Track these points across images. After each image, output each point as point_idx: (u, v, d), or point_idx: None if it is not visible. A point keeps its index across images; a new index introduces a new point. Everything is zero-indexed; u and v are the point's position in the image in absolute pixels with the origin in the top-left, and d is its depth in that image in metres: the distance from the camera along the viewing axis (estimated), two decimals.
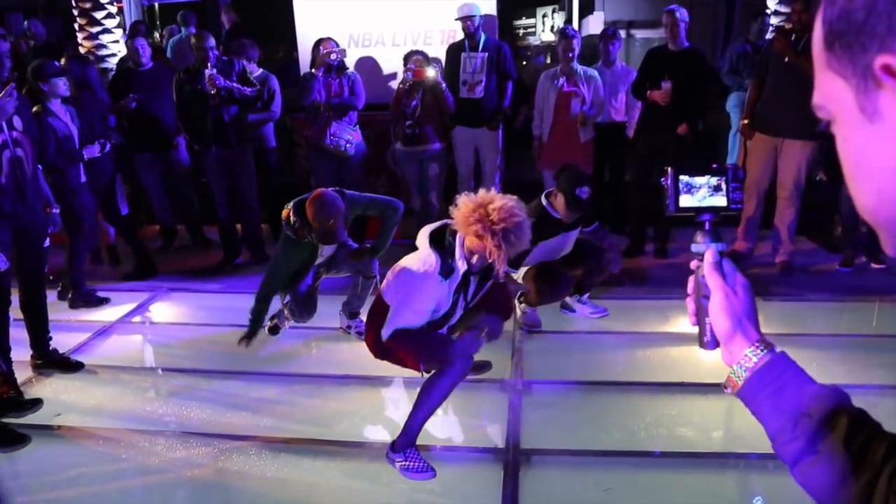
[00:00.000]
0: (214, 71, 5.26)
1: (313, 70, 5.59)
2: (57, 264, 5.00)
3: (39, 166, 4.05)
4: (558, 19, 12.96)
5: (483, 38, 5.76)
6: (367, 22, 6.73)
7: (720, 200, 1.18)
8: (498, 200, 2.79)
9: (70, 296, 4.96)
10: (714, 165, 1.19)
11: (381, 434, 3.46)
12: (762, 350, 0.96)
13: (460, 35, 5.90)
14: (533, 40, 13.78)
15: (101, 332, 4.59)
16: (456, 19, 5.78)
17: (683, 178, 1.18)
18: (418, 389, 3.80)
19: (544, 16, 13.93)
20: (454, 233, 2.94)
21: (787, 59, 4.94)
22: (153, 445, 3.31)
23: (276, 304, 4.34)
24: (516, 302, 4.38)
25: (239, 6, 8.35)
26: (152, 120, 5.81)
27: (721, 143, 7.27)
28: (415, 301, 2.95)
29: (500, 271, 2.95)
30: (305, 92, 5.54)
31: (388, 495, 2.95)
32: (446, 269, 2.94)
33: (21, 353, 3.91)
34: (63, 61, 4.99)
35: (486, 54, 5.71)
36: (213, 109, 5.35)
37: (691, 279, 1.09)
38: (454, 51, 5.87)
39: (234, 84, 5.35)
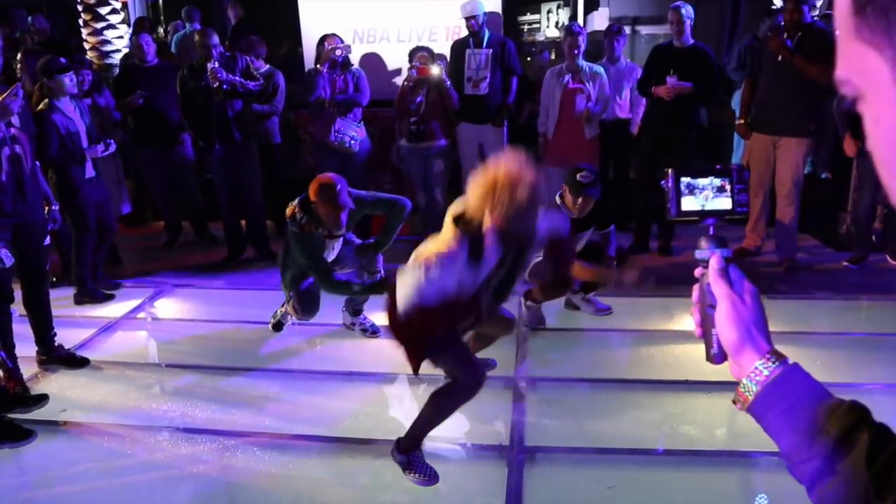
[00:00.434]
0: (217, 64, 5.26)
1: (318, 66, 5.59)
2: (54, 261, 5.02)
3: (38, 163, 4.05)
4: (563, 15, 12.93)
5: (487, 34, 5.76)
6: (371, 18, 6.73)
7: (725, 203, 1.11)
8: (502, 178, 2.58)
9: (75, 292, 4.97)
10: (718, 166, 1.13)
11: (385, 431, 3.45)
12: (773, 362, 0.90)
13: (465, 31, 5.89)
14: (538, 36, 13.75)
15: (107, 328, 4.61)
16: (461, 18, 5.78)
17: (685, 179, 1.11)
18: (422, 387, 3.81)
19: (549, 12, 13.90)
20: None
21: (780, 58, 4.95)
22: (158, 442, 3.33)
23: (277, 303, 4.36)
24: (521, 300, 4.38)
25: (244, 1, 8.34)
26: (157, 116, 5.83)
27: (726, 139, 7.26)
28: (443, 281, 2.73)
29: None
30: (310, 88, 5.55)
31: (392, 492, 2.95)
32: (476, 253, 2.74)
33: (26, 348, 3.92)
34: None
35: (491, 51, 5.70)
36: (216, 105, 5.36)
37: (696, 287, 1.03)
38: (458, 47, 5.86)
39: (237, 78, 5.35)
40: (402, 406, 3.82)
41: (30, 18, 8.46)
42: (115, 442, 3.33)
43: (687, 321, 4.53)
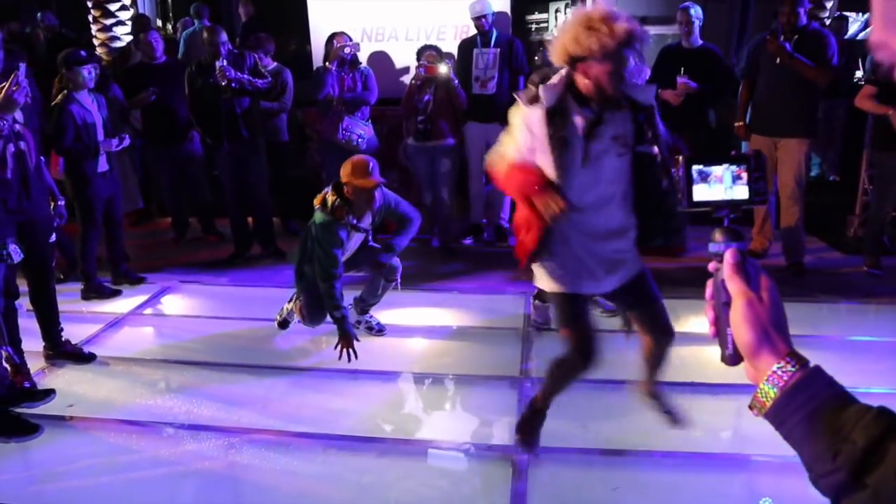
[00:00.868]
0: (225, 62, 5.27)
1: (327, 64, 5.60)
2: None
3: (42, 158, 4.06)
4: (570, 14, 12.85)
5: (495, 33, 5.75)
6: (380, 16, 6.73)
7: (741, 192, 1.03)
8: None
9: (82, 287, 5.00)
10: (733, 152, 1.05)
11: (389, 430, 3.47)
12: (793, 366, 0.84)
13: (473, 30, 5.89)
14: (546, 36, 13.71)
15: (113, 323, 4.62)
16: (471, 18, 5.77)
17: (697, 167, 1.03)
18: (427, 385, 3.83)
19: (557, 11, 13.87)
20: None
21: (778, 61, 4.96)
22: (163, 438, 3.34)
23: (282, 300, 4.37)
24: (531, 298, 4.37)
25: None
26: (166, 113, 5.84)
27: (734, 141, 7.23)
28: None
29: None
30: (318, 86, 5.55)
31: (396, 490, 2.95)
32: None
33: (33, 344, 3.94)
34: None
35: (499, 50, 5.70)
36: (225, 102, 5.36)
37: (709, 283, 0.96)
38: (466, 47, 5.86)
39: (245, 76, 5.36)
40: (406, 405, 3.82)
41: (39, 14, 8.49)
42: (121, 437, 3.35)
43: (692, 323, 4.51)
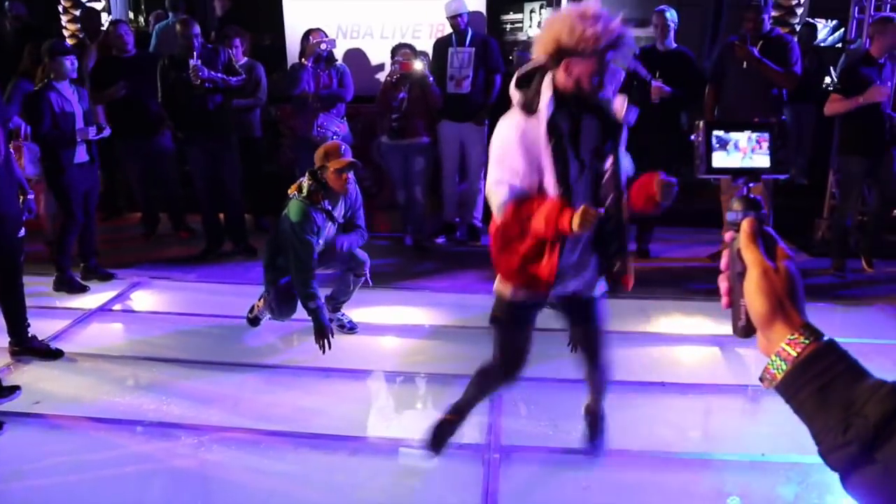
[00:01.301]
0: (199, 62, 5.21)
1: (303, 60, 5.56)
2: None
3: (12, 151, 4.00)
4: (546, 15, 12.95)
5: (470, 33, 5.76)
6: (355, 14, 6.72)
7: (762, 161, 1.01)
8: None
9: (54, 278, 4.97)
10: (756, 119, 1.02)
11: (361, 428, 3.46)
12: (807, 337, 0.82)
13: (449, 29, 5.89)
14: (520, 36, 13.77)
15: (81, 319, 4.56)
16: (446, 17, 5.77)
17: (717, 133, 1.00)
18: (399, 383, 3.82)
19: (532, 11, 13.93)
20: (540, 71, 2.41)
21: (745, 65, 5.07)
22: (132, 435, 3.30)
23: (254, 297, 4.33)
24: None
25: None
26: (137, 107, 5.76)
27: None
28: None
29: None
30: (294, 82, 5.52)
31: (367, 489, 2.95)
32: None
33: None
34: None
35: (473, 49, 5.71)
36: (197, 98, 5.31)
37: (725, 253, 0.94)
38: (441, 45, 5.86)
39: (219, 75, 5.31)
40: (378, 403, 3.82)
41: (7, 3, 8.31)
42: (89, 435, 3.30)
43: (663, 323, 4.57)
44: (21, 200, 4.01)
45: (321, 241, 4.04)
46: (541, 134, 2.33)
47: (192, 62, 5.20)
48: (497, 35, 8.74)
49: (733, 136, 1.00)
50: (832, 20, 9.09)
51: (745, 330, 0.91)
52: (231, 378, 3.87)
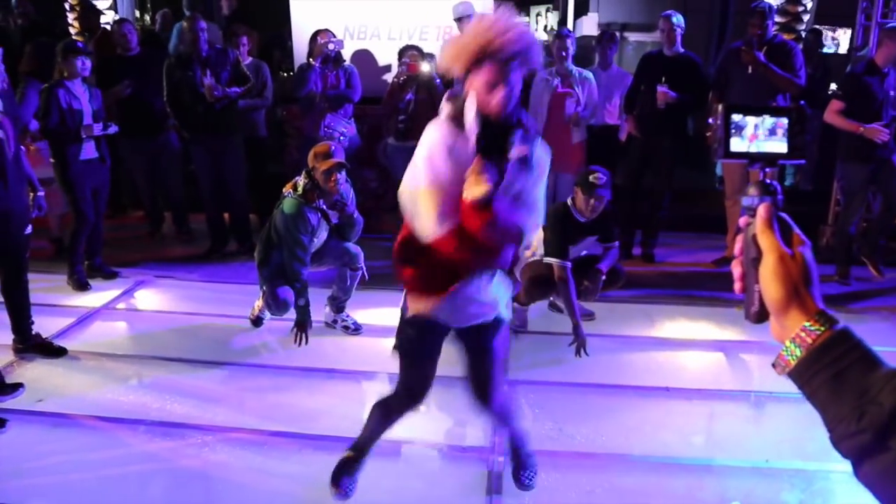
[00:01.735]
0: (213, 80, 5.25)
1: (310, 60, 5.57)
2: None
3: (22, 148, 4.00)
4: (552, 19, 12.96)
5: None
6: (363, 15, 6.71)
7: (779, 146, 1.00)
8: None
9: (67, 273, 5.05)
10: (774, 103, 1.04)
11: None
12: (823, 324, 0.82)
13: (456, 31, 5.88)
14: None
15: (85, 317, 4.56)
16: (453, 20, 5.77)
17: (736, 117, 1.00)
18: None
19: (538, 15, 13.93)
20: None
21: (750, 70, 5.07)
22: (135, 434, 3.29)
23: (257, 297, 4.33)
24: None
25: None
26: (142, 105, 5.76)
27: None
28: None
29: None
30: (301, 82, 5.52)
31: (371, 492, 2.94)
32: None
33: (3, 336, 3.87)
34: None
35: None
36: (202, 98, 5.31)
37: (739, 238, 0.94)
38: None
39: (233, 89, 5.37)
40: None
41: (14, 0, 8.33)
42: (92, 434, 3.30)
43: (667, 328, 4.57)
44: (31, 197, 4.01)
45: (315, 241, 4.06)
46: (469, 152, 2.14)
47: (206, 80, 5.25)
48: None
49: (751, 120, 1.00)
50: (839, 28, 9.08)
51: (758, 315, 0.91)
52: (235, 378, 3.87)
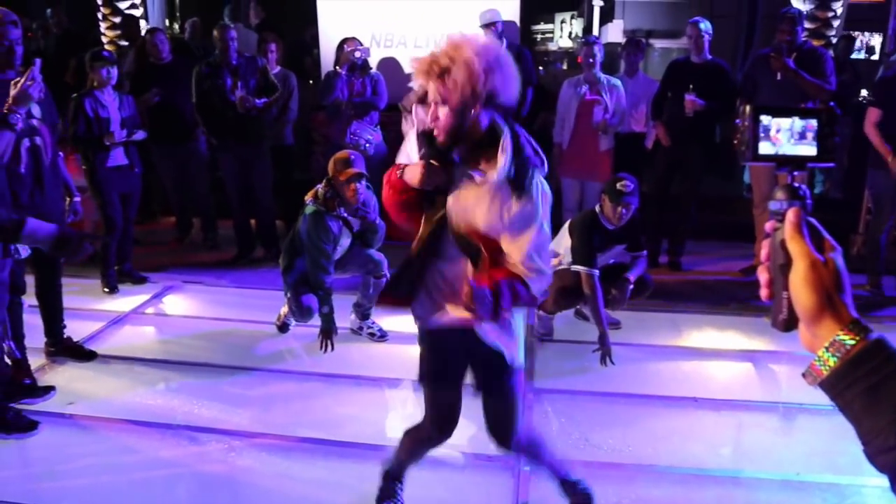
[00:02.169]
0: (244, 91, 5.33)
1: (337, 68, 5.61)
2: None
3: (61, 154, 4.07)
4: (576, 26, 12.94)
5: (504, 42, 5.75)
6: (389, 22, 6.75)
7: (808, 149, 0.97)
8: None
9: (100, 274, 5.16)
10: (804, 105, 1.00)
11: (391, 437, 3.45)
12: (857, 334, 0.79)
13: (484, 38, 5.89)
14: (550, 46, 13.78)
15: (115, 321, 4.62)
16: (480, 26, 5.78)
17: (764, 119, 0.96)
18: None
19: (563, 22, 13.94)
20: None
21: (779, 77, 5.02)
22: (163, 438, 3.32)
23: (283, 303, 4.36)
24: (534, 310, 4.35)
25: (265, 3, 8.40)
26: (172, 112, 5.84)
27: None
28: None
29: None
30: (328, 90, 5.56)
31: None
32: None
33: (35, 340, 3.93)
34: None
35: None
36: (231, 105, 5.38)
37: (765, 244, 0.91)
38: None
39: (262, 100, 5.43)
40: (407, 412, 3.81)
41: (49, 10, 8.49)
42: (121, 437, 3.34)
43: (695, 337, 4.52)
44: (67, 202, 4.08)
45: (338, 248, 4.08)
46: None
47: (238, 92, 5.32)
48: (528, 45, 8.75)
49: (780, 122, 0.97)
50: (870, 32, 8.97)
51: (786, 323, 0.88)
52: (262, 383, 3.89)
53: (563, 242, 4.18)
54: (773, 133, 0.96)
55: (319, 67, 6.81)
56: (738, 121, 1.05)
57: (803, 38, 5.26)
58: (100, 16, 8.09)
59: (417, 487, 3.00)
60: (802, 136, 0.96)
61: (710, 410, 3.65)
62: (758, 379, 4.12)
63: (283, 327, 4.45)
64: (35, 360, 3.86)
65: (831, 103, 5.09)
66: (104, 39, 7.94)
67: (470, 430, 3.46)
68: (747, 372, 4.15)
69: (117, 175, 4.97)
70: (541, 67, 11.53)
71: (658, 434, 3.45)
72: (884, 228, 5.25)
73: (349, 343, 4.33)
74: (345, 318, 4.38)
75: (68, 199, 4.10)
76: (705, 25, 5.36)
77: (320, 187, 4.00)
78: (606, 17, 10.79)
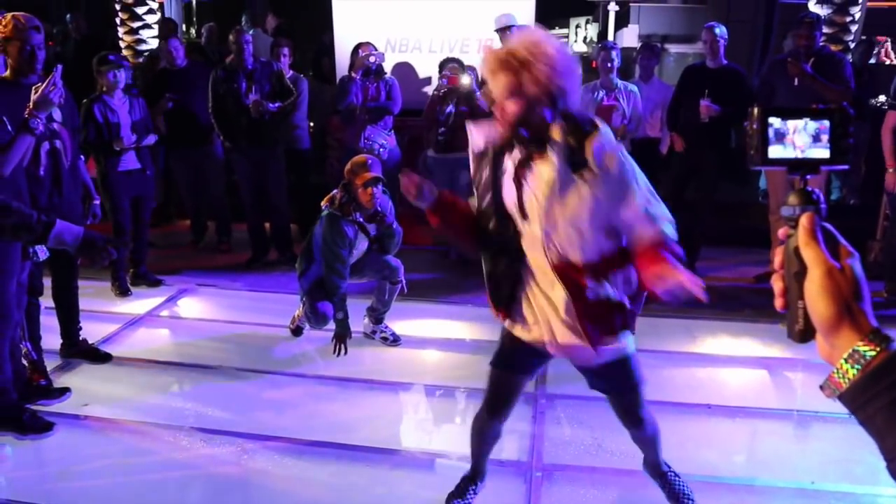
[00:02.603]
0: (259, 96, 5.36)
1: (352, 73, 5.63)
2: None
3: (81, 157, 4.12)
4: (591, 31, 12.92)
5: None
6: (404, 27, 6.78)
7: (821, 152, 0.92)
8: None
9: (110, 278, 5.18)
10: (816, 105, 0.94)
11: (403, 441, 3.46)
12: (879, 345, 0.75)
13: (498, 43, 5.89)
14: None
15: (130, 323, 4.65)
16: (494, 30, 5.79)
17: (774, 121, 0.92)
18: (440, 397, 3.81)
19: (577, 27, 13.93)
20: None
21: (796, 82, 4.98)
22: (177, 440, 3.34)
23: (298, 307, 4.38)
24: None
25: (279, 8, 8.45)
26: (188, 116, 5.88)
27: None
28: None
29: None
30: (342, 94, 5.59)
31: (408, 502, 2.94)
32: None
33: (51, 341, 3.97)
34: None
35: None
36: (247, 110, 5.41)
37: (779, 251, 0.87)
38: None
39: (277, 104, 5.46)
40: (420, 416, 3.82)
41: (68, 16, 8.59)
42: (136, 438, 3.36)
43: (709, 344, 4.49)
44: (86, 205, 4.11)
45: (354, 253, 4.08)
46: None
47: (252, 96, 5.35)
48: None
49: (791, 124, 0.92)
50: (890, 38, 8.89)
51: (803, 334, 0.84)
52: (275, 386, 3.91)
53: None
54: (790, 136, 0.92)
55: (335, 72, 6.83)
56: (745, 123, 1.02)
57: (821, 43, 5.22)
58: (118, 20, 8.16)
59: (430, 491, 3.00)
60: (816, 138, 0.92)
61: (724, 417, 3.62)
62: (773, 386, 4.09)
63: (296, 331, 4.46)
64: (50, 362, 3.89)
65: (844, 103, 5.03)
66: (122, 44, 8.01)
67: None
68: (762, 379, 4.12)
69: (129, 179, 4.98)
70: None
71: (672, 441, 3.41)
72: None
73: (362, 347, 4.34)
74: (358, 323, 4.39)
75: (87, 201, 4.14)
76: (721, 30, 5.34)
77: (337, 193, 4.02)
78: (622, 21, 10.78)
